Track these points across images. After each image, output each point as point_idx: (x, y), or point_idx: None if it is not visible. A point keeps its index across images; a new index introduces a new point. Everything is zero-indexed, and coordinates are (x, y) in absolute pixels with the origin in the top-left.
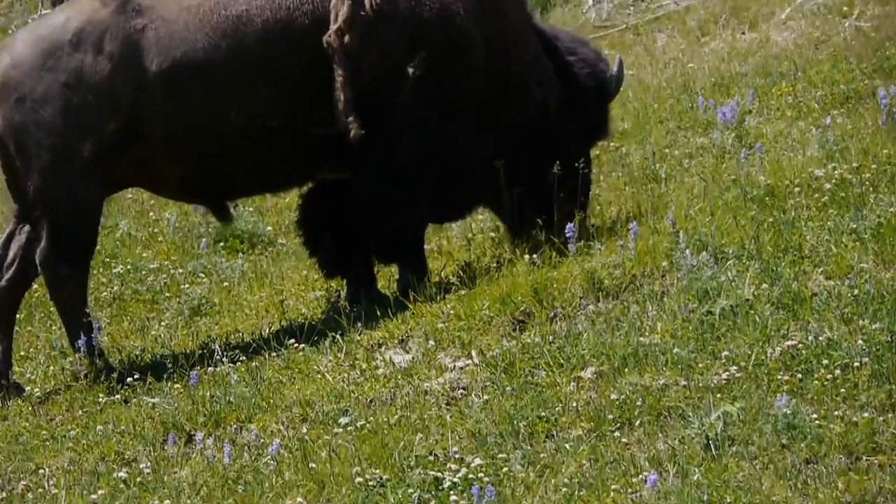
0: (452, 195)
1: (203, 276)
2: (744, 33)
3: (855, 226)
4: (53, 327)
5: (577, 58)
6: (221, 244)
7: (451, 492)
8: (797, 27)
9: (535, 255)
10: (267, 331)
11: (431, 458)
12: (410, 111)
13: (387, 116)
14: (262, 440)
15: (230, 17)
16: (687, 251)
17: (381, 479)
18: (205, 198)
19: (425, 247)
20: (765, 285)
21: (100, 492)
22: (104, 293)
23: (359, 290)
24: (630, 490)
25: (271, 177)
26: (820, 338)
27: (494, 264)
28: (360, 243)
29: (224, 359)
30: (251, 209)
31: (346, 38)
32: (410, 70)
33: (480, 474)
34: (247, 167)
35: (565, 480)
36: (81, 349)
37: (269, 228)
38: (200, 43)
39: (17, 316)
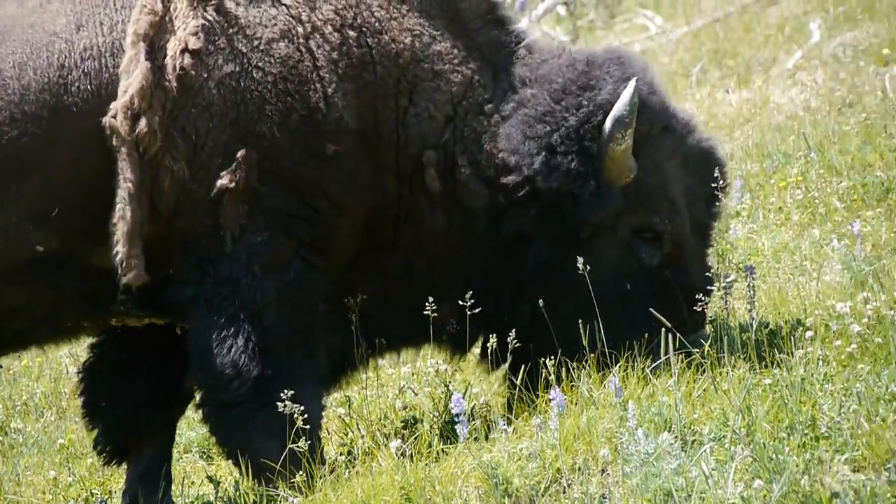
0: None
1: None
2: (729, 91)
3: None
4: None
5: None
6: None
7: None
8: (811, 81)
9: (404, 442)
10: None
11: None
12: (246, 242)
13: (206, 251)
14: None
15: None
16: (639, 431)
17: None
18: None
19: None
20: (759, 482)
21: None
22: None
23: (140, 493)
24: None
25: (39, 326)
26: None
27: (342, 455)
28: (158, 419)
29: None
30: None
31: (139, 124)
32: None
33: None
34: (4, 312)
35: None
36: None
37: None
38: None
39: None
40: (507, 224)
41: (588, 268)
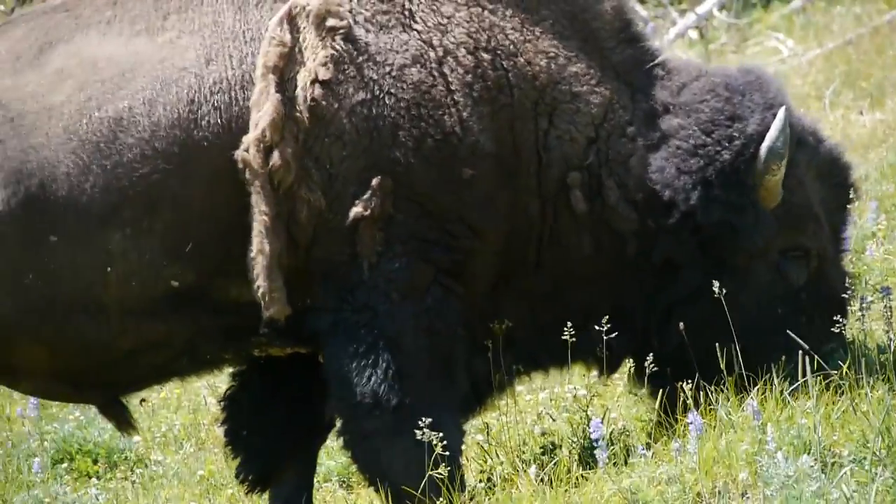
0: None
1: None
2: (863, 112)
3: None
4: None
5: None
6: (65, 465)
7: None
8: None
9: (543, 468)
10: None
11: None
12: (389, 270)
13: (343, 283)
14: None
15: (105, 122)
16: (779, 454)
17: None
18: (90, 393)
19: None
20: None
21: None
22: None
23: None
24: None
25: (179, 359)
26: None
27: (482, 482)
28: (299, 448)
29: None
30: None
31: (273, 157)
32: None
33: None
34: (143, 347)
35: None
36: None
37: (138, 440)
38: (64, 164)
39: None
40: (658, 250)
41: (740, 293)
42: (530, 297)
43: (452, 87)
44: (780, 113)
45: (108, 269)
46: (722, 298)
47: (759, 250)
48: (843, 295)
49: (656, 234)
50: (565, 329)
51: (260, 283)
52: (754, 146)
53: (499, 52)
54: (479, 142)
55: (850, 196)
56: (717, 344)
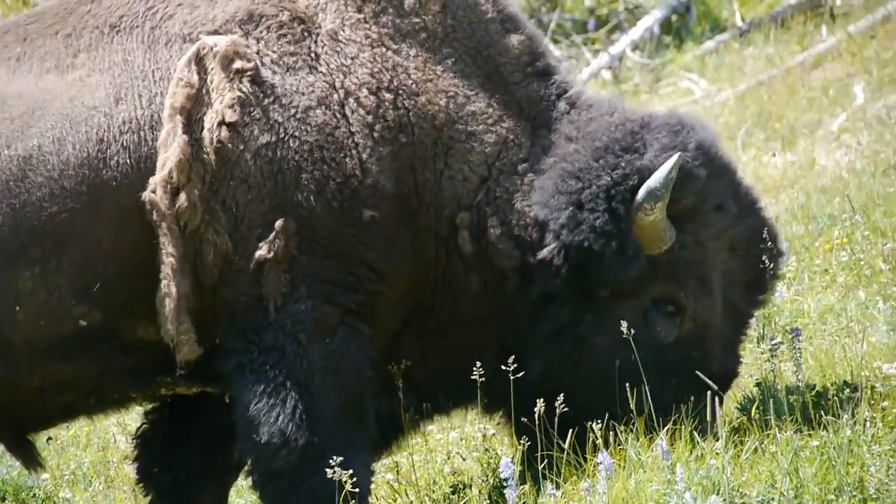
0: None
1: None
2: (775, 154)
3: None
4: None
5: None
6: None
7: None
8: (856, 143)
9: None
10: None
11: None
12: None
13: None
14: None
15: (14, 160)
16: (687, 494)
17: None
18: None
19: None
20: None
21: None
22: None
23: None
24: None
25: (86, 398)
26: None
27: None
28: (211, 486)
29: None
30: None
31: (179, 198)
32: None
33: None
34: (51, 386)
35: None
36: None
37: (46, 477)
38: None
39: None
40: (535, 285)
41: (598, 334)
42: (424, 339)
43: (353, 129)
44: (673, 157)
45: (17, 308)
46: (582, 338)
47: (625, 289)
48: (720, 375)
49: (535, 269)
50: (461, 370)
51: (168, 326)
52: (637, 179)
53: (401, 91)
54: (380, 182)
55: (764, 279)
56: (575, 385)
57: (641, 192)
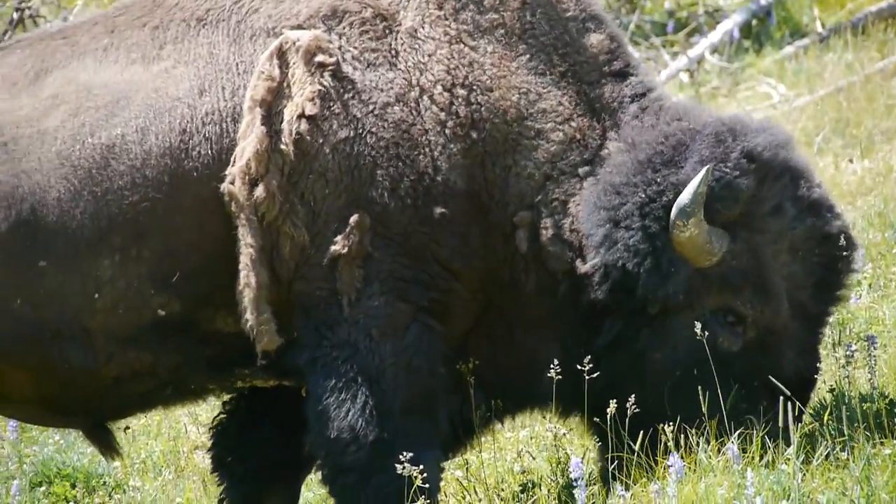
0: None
1: None
2: (852, 161)
3: None
4: None
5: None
6: (42, 488)
7: None
8: None
9: None
10: None
11: None
12: (368, 307)
13: (328, 316)
14: None
15: (98, 148)
16: (758, 499)
17: None
18: (74, 420)
19: None
20: None
21: None
22: None
23: None
24: None
25: (164, 388)
26: None
27: None
28: (284, 477)
29: None
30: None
31: (258, 189)
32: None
33: None
34: (129, 375)
35: None
36: None
37: (117, 465)
38: (55, 189)
39: None
40: (584, 294)
41: (655, 350)
42: (492, 336)
43: (427, 126)
44: (702, 171)
45: (96, 295)
46: (641, 352)
47: (677, 304)
48: (796, 377)
49: (583, 278)
50: (528, 370)
51: (248, 316)
52: (672, 195)
53: (475, 87)
54: (451, 179)
55: (835, 277)
56: (637, 402)
57: (674, 209)
